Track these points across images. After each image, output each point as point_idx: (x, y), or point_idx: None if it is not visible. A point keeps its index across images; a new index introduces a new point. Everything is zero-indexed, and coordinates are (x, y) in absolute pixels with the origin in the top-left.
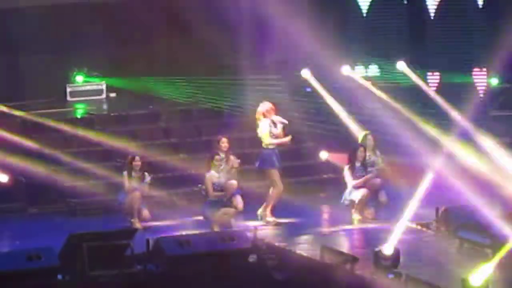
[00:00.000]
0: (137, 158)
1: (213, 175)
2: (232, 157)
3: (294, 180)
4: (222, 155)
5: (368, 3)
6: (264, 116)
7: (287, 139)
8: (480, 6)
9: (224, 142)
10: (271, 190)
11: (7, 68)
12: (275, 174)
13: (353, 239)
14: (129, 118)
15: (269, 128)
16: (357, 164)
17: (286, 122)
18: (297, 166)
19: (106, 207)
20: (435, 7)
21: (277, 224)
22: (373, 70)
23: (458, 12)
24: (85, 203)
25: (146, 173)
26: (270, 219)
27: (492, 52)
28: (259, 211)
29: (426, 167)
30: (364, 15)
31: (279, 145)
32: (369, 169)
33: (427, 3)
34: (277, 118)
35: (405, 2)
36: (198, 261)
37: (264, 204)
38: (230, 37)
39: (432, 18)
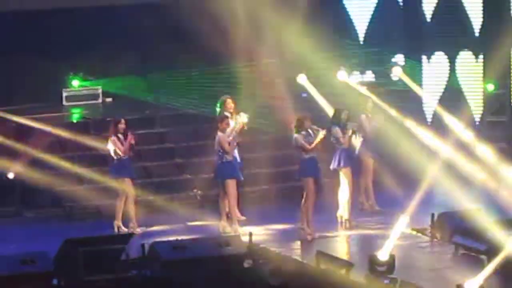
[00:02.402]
0: (122, 121)
1: (224, 136)
2: (240, 115)
3: (288, 185)
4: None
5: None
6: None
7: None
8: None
9: (229, 103)
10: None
11: (2, 72)
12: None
13: (348, 244)
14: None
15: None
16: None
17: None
18: (291, 171)
19: (101, 212)
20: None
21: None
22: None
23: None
24: (80, 208)
25: (129, 134)
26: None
27: (488, 58)
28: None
29: (422, 173)
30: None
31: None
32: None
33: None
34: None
35: (401, 4)
36: (193, 266)
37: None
38: (226, 42)
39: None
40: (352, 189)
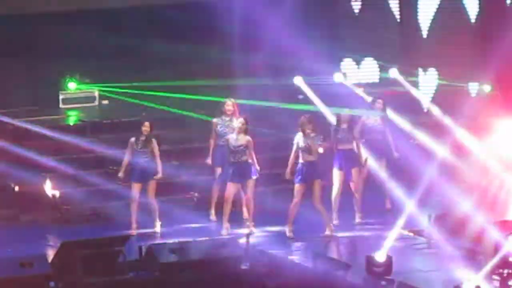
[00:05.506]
0: (146, 124)
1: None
2: (237, 120)
3: (284, 186)
4: (227, 118)
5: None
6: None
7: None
8: (473, 21)
9: (228, 105)
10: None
11: None
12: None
13: (345, 246)
14: (121, 125)
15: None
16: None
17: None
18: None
19: (98, 214)
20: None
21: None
22: (367, 63)
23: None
24: (77, 210)
25: (154, 140)
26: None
27: (484, 60)
28: None
29: (419, 174)
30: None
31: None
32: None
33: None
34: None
35: (398, 20)
36: (190, 268)
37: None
38: (223, 42)
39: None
40: (339, 191)
